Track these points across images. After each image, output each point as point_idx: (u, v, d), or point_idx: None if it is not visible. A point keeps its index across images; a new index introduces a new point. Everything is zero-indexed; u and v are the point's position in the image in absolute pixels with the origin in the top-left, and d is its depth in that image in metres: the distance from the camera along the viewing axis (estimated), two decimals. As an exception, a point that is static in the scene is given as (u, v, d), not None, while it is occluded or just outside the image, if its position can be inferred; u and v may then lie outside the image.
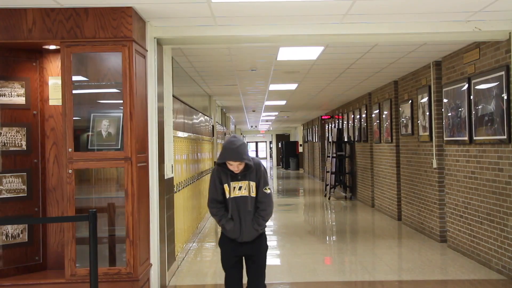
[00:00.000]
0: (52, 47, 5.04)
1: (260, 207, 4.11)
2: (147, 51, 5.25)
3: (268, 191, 4.13)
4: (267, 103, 15.35)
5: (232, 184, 4.08)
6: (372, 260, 7.35)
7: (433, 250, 7.67)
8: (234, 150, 3.94)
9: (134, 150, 4.70)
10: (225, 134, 16.87)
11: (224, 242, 4.23)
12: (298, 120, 27.62)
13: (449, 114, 7.50)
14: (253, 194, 4.10)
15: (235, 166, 3.99)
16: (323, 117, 19.58)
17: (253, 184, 4.09)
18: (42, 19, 4.67)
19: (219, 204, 4.13)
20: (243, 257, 4.24)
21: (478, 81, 6.56)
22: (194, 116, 9.41)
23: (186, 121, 8.28)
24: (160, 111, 5.58)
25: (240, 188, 4.07)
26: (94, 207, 5.03)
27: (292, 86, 11.39)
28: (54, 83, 5.23)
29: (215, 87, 11.18)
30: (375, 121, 11.90)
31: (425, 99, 8.46)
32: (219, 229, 4.35)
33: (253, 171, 4.09)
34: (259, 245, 4.23)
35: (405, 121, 9.65)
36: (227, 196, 4.09)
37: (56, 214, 5.19)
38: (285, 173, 31.02)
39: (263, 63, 8.32)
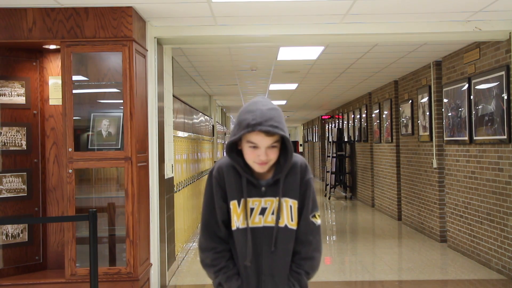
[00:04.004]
0: (52, 46, 5.04)
1: (301, 251, 2.24)
2: (147, 50, 5.25)
3: (318, 220, 2.28)
4: (267, 103, 15.32)
5: (251, 201, 2.20)
6: (372, 260, 7.35)
7: (433, 250, 7.67)
8: (265, 112, 2.12)
9: (134, 150, 4.70)
10: (225, 134, 16.87)
11: None
12: (298, 120, 27.62)
13: (449, 114, 7.50)
14: (293, 225, 2.22)
15: (262, 153, 2.13)
16: (323, 117, 19.58)
17: (292, 203, 2.22)
18: (42, 18, 4.67)
19: (220, 244, 2.25)
20: None
21: (478, 81, 6.56)
22: (194, 116, 9.42)
23: (186, 121, 8.28)
24: (160, 111, 5.58)
25: (263, 211, 2.20)
26: (94, 207, 5.03)
27: (292, 86, 11.39)
28: (54, 82, 5.23)
29: (215, 87, 11.18)
30: (375, 121, 11.90)
31: (425, 99, 8.46)
32: None
33: (294, 176, 2.23)
34: None
35: (405, 121, 9.65)
36: (235, 225, 2.21)
37: (56, 214, 5.19)
38: (285, 173, 30.97)
39: (263, 63, 8.32)
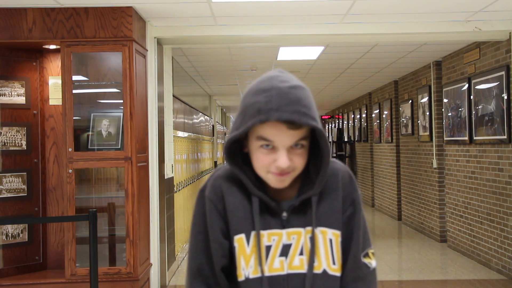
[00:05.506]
0: (52, 46, 5.04)
1: None
2: (147, 50, 5.25)
3: (373, 261, 1.51)
4: (267, 103, 15.32)
5: (266, 235, 1.44)
6: (372, 260, 7.35)
7: (433, 250, 7.67)
8: (286, 91, 1.33)
9: (134, 150, 4.70)
10: (225, 134, 16.87)
11: None
12: (298, 120, 27.61)
13: (449, 114, 7.50)
14: (335, 270, 1.44)
15: (281, 157, 1.35)
16: (323, 117, 19.59)
17: (333, 236, 1.45)
18: (42, 18, 4.67)
19: None
20: None
21: (478, 81, 6.56)
22: (194, 116, 9.42)
23: (186, 121, 8.29)
24: (160, 111, 5.58)
25: (286, 251, 1.43)
26: (94, 207, 5.03)
27: (292, 86, 11.37)
28: (54, 82, 5.23)
29: (215, 87, 11.18)
30: (375, 121, 11.90)
31: (425, 99, 8.46)
32: None
33: (333, 193, 1.47)
34: None
35: (405, 121, 9.65)
36: (242, 274, 1.43)
37: (56, 214, 5.19)
38: (285, 173, 30.97)
39: (263, 63, 8.32)
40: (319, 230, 1.43)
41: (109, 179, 5.33)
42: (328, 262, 1.43)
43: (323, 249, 1.43)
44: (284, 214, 1.44)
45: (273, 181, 1.39)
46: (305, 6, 4.88)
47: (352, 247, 1.47)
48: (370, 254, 1.50)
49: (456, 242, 7.43)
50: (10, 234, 5.02)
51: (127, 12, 4.68)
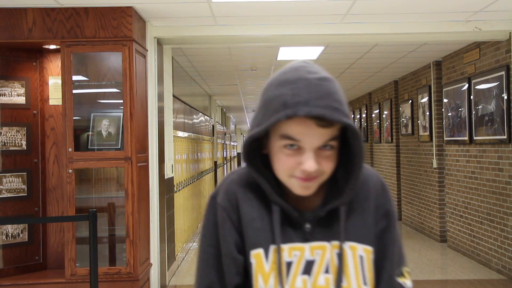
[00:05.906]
0: (52, 46, 5.03)
1: None
2: (147, 50, 5.25)
3: (408, 282, 1.31)
4: (267, 103, 15.31)
5: (286, 249, 1.25)
6: (372, 260, 7.36)
7: (433, 250, 7.67)
8: (315, 83, 1.20)
9: (134, 150, 4.70)
10: (225, 134, 16.87)
11: None
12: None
13: (449, 114, 7.50)
14: None
15: (308, 159, 1.17)
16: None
17: (364, 252, 1.27)
18: (42, 18, 4.67)
19: None
20: None
21: (478, 81, 6.56)
22: (194, 116, 9.42)
23: (186, 121, 8.29)
24: (160, 111, 5.58)
25: (309, 268, 1.25)
26: (94, 207, 5.03)
27: (292, 86, 11.37)
28: (54, 82, 5.23)
29: (215, 87, 11.18)
30: (375, 121, 11.90)
31: (425, 99, 8.46)
32: None
33: (363, 203, 1.30)
34: None
35: (405, 121, 9.65)
36: None
37: (56, 214, 5.19)
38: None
39: (263, 63, 8.32)
40: (347, 245, 1.25)
41: (109, 179, 5.33)
42: (359, 282, 1.25)
43: (352, 267, 1.25)
44: (307, 225, 1.26)
45: (297, 187, 1.22)
46: (305, 6, 4.88)
47: (386, 265, 1.29)
48: (405, 273, 1.31)
49: (456, 242, 7.44)
50: (10, 234, 5.02)
51: (127, 12, 4.68)
